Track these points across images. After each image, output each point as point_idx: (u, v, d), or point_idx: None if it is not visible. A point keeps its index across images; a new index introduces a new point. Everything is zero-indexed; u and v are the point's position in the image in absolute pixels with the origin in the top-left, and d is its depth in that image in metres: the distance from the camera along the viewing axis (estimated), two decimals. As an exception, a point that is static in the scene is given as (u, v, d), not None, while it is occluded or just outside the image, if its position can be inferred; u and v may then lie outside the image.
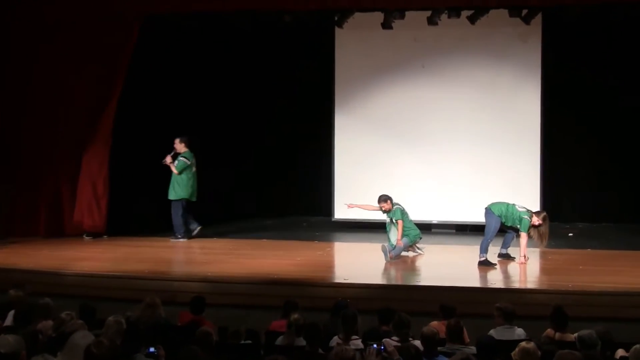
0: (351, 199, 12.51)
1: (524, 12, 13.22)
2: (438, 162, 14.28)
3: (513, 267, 10.85)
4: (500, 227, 10.96)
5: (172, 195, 13.12)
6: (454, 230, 14.33)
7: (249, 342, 7.02)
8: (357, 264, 11.37)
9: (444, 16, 13.45)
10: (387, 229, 11.61)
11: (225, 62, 15.58)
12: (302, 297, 8.48)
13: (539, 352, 5.93)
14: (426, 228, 13.33)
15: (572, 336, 6.75)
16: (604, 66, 14.45)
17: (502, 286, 9.82)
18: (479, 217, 11.60)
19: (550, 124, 14.18)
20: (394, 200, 11.55)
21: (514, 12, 13.19)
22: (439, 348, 6.50)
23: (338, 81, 14.79)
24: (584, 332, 6.33)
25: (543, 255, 11.55)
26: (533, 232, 10.80)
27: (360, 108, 14.70)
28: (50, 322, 6.97)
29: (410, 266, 11.27)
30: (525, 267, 10.75)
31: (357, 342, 6.69)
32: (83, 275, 10.38)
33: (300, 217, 16.00)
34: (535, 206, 12.64)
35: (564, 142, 14.79)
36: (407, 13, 13.54)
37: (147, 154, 14.03)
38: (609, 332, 6.52)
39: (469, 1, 12.83)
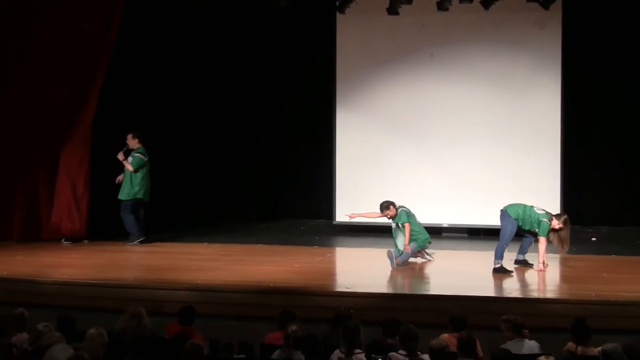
0: (354, 200, 12.53)
1: (543, -5, 13.26)
2: (448, 161, 14.28)
3: (531, 275, 10.85)
4: (517, 231, 10.95)
5: (123, 195, 13.12)
6: (466, 235, 14.33)
7: (243, 356, 7.03)
8: (361, 271, 11.35)
9: (455, 1, 13.44)
10: (394, 233, 11.61)
11: (216, 52, 15.59)
12: (300, 307, 8.49)
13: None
14: (436, 232, 13.34)
15: (596, 350, 6.75)
16: (631, 55, 14.41)
17: (519, 295, 9.80)
18: (493, 220, 11.59)
19: (571, 118, 14.17)
20: (399, 203, 11.54)
21: (532, -5, 13.23)
22: (449, 363, 6.51)
23: (339, 72, 14.78)
24: (609, 345, 6.33)
25: (563, 262, 11.55)
26: (553, 236, 10.80)
27: (364, 101, 14.69)
28: (25, 335, 6.97)
29: (418, 273, 11.27)
30: (544, 275, 10.75)
31: (360, 357, 6.69)
32: (61, 284, 10.35)
33: (298, 219, 16.00)
34: (555, 208, 12.64)
35: (586, 138, 14.78)
36: (415, -3, 13.56)
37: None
38: (635, 346, 6.52)
39: (483, -16, 12.86)
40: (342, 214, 14.16)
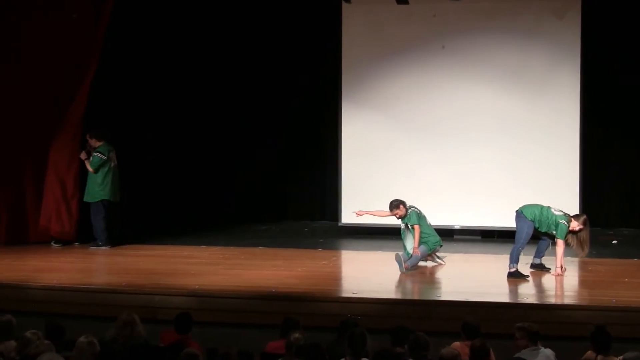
0: (360, 200, 12.53)
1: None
2: (460, 159, 14.28)
3: (548, 280, 10.85)
4: (534, 233, 10.95)
5: (88, 197, 13.14)
6: (480, 237, 14.35)
7: (242, 365, 7.03)
8: (367, 275, 11.37)
9: (468, -11, 13.49)
10: (403, 235, 11.62)
11: (215, 45, 15.59)
12: (303, 313, 8.49)
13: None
14: (447, 234, 13.35)
15: (617, 359, 6.75)
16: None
17: (535, 301, 9.80)
18: (508, 222, 11.60)
19: (591, 114, 14.17)
20: (409, 204, 11.55)
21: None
22: (461, 373, 6.51)
23: (345, 65, 14.79)
24: (631, 354, 6.33)
25: (582, 266, 11.55)
26: (571, 239, 10.80)
27: (371, 96, 14.70)
28: (13, 343, 6.97)
29: (428, 278, 11.28)
30: (562, 280, 10.75)
31: (367, 366, 6.69)
32: (50, 289, 10.38)
33: (301, 221, 16.02)
34: (574, 209, 12.64)
35: (607, 135, 14.78)
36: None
37: (124, 147, 14.07)
38: (658, 355, 6.52)
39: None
40: (348, 215, 14.16)
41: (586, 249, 10.91)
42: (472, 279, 11.01)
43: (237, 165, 16.08)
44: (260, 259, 12.30)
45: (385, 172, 14.46)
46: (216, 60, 15.64)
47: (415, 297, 10.51)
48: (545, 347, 7.26)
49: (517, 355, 7.14)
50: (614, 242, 13.78)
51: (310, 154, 15.98)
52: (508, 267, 10.81)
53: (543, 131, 14.02)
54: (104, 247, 13.06)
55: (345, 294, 10.29)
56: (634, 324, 8.81)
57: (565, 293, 10.57)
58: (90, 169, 13.03)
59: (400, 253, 11.32)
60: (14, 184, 13.49)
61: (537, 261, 11.24)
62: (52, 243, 13.40)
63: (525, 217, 10.90)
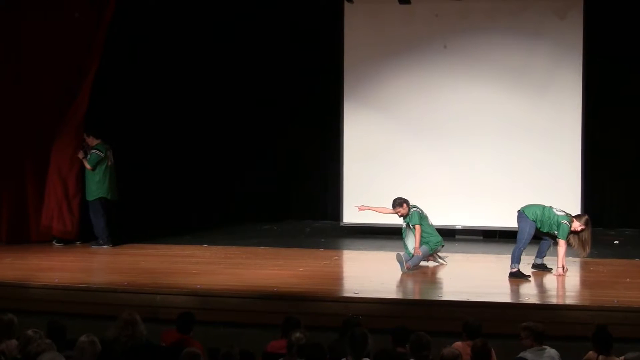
0: (362, 200, 12.51)
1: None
2: (462, 158, 14.27)
3: (549, 280, 10.84)
4: (535, 233, 10.94)
5: (88, 195, 13.14)
6: (481, 237, 14.33)
7: (243, 365, 7.02)
8: (369, 275, 11.36)
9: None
10: (404, 235, 11.61)
11: (218, 44, 15.56)
12: (304, 313, 8.51)
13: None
14: (449, 234, 13.34)
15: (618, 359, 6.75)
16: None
17: (537, 302, 9.79)
18: (509, 222, 11.59)
19: (593, 114, 14.16)
20: (412, 203, 11.55)
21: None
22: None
23: (347, 64, 14.77)
24: (632, 355, 6.32)
25: (584, 266, 11.54)
26: (573, 239, 10.79)
27: (373, 96, 14.69)
28: (14, 342, 6.97)
29: (430, 278, 11.27)
30: (564, 280, 10.74)
31: (368, 366, 6.69)
32: (52, 288, 10.37)
33: (303, 221, 16.01)
34: (576, 209, 12.63)
35: (609, 135, 14.76)
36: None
37: (127, 146, 14.08)
38: (660, 356, 6.51)
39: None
40: (350, 215, 14.20)
41: (587, 249, 10.90)
42: (473, 279, 11.01)
43: (240, 165, 16.06)
44: (262, 259, 12.30)
45: (387, 172, 14.45)
46: (218, 60, 15.63)
47: (417, 297, 10.51)
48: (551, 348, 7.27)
49: (521, 354, 7.14)
50: (616, 242, 13.76)
51: (312, 154, 15.96)
52: (510, 267, 10.80)
53: (545, 131, 14.00)
54: (105, 246, 13.05)
55: (346, 294, 10.29)
56: (635, 325, 8.80)
57: (567, 293, 10.56)
58: (88, 166, 13.03)
59: (402, 253, 11.32)
60: (16, 183, 13.48)
61: (539, 261, 11.23)
62: (53, 242, 13.39)
63: (527, 217, 10.89)
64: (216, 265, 11.80)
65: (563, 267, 10.78)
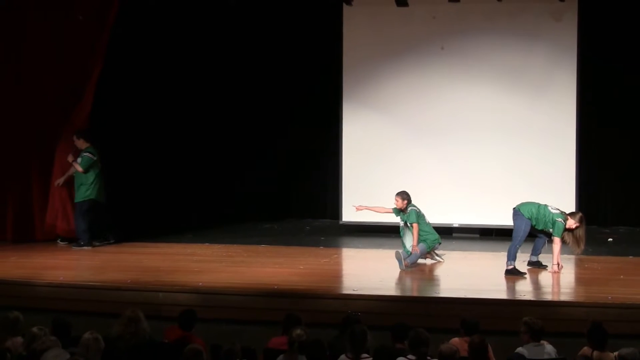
0: (361, 199, 12.53)
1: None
2: (460, 158, 14.28)
3: (545, 277, 10.85)
4: (530, 230, 10.95)
5: (78, 197, 13.07)
6: (478, 235, 14.34)
7: (245, 361, 7.04)
8: (368, 272, 11.37)
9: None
10: (402, 233, 11.62)
11: (218, 46, 15.58)
12: (305, 310, 8.50)
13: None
14: (446, 232, 13.35)
15: (612, 355, 6.76)
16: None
17: (532, 298, 9.82)
18: (506, 220, 11.61)
19: (588, 114, 14.18)
20: (412, 202, 11.54)
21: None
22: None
23: (346, 66, 14.78)
24: (626, 350, 6.34)
25: (579, 264, 11.55)
26: (567, 236, 10.79)
27: (372, 96, 14.69)
28: (20, 339, 6.99)
29: (428, 275, 11.28)
30: (559, 277, 10.74)
31: (367, 362, 6.71)
32: (56, 286, 10.38)
33: (303, 219, 16.02)
34: (571, 207, 12.61)
35: (603, 134, 14.77)
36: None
37: (130, 146, 14.09)
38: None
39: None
40: (349, 214, 14.19)
41: (582, 246, 10.90)
42: (470, 276, 11.01)
43: (240, 165, 16.07)
44: (263, 257, 12.30)
45: (385, 171, 14.45)
46: (220, 61, 15.64)
47: (415, 294, 10.51)
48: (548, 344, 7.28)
49: (518, 350, 7.16)
50: (610, 239, 13.77)
51: (311, 154, 15.96)
52: (506, 265, 10.81)
53: (541, 131, 14.01)
54: (86, 247, 12.96)
55: (346, 291, 10.29)
56: (629, 321, 8.81)
57: (562, 290, 10.57)
58: (80, 169, 12.92)
59: (400, 251, 11.33)
60: (21, 183, 13.49)
61: (534, 259, 11.24)
62: (58, 241, 13.40)
63: (523, 215, 10.90)
64: (218, 264, 11.81)
65: (558, 264, 10.79)
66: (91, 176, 13.01)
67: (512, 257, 10.80)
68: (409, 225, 11.45)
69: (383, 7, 14.28)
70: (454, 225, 14.31)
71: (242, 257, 12.32)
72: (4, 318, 7.26)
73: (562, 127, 13.95)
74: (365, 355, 6.81)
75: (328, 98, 15.21)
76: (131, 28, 13.80)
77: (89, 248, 12.97)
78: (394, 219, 11.83)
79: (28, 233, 13.49)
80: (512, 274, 10.72)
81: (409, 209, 11.47)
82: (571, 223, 10.76)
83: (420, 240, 11.38)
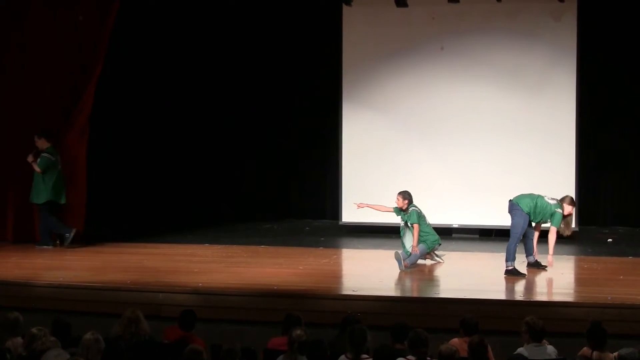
0: (361, 200, 12.50)
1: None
2: (459, 159, 14.28)
3: (544, 277, 10.85)
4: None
5: (36, 198, 13.00)
6: (478, 236, 14.34)
7: (245, 361, 7.03)
8: (368, 273, 11.37)
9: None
10: (402, 233, 11.62)
11: (219, 46, 15.60)
12: (305, 310, 8.49)
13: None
14: (446, 233, 13.34)
15: (612, 355, 6.75)
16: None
17: (532, 298, 9.83)
18: (505, 221, 11.58)
19: (587, 114, 14.17)
20: (413, 202, 11.54)
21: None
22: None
23: (346, 66, 14.78)
24: (625, 350, 6.34)
25: (578, 264, 11.57)
26: (563, 223, 10.84)
27: (371, 96, 14.69)
28: (20, 340, 6.98)
29: (427, 276, 11.27)
30: (559, 277, 10.73)
31: (367, 363, 6.70)
32: (57, 286, 10.37)
33: (302, 220, 16.02)
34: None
35: (603, 135, 14.79)
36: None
37: (131, 147, 14.09)
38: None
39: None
40: (349, 214, 14.19)
41: (571, 228, 10.98)
42: (470, 276, 11.01)
43: (240, 165, 16.08)
44: (263, 257, 12.30)
45: (385, 171, 14.45)
46: (220, 61, 15.65)
47: (415, 294, 10.51)
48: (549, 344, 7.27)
49: (518, 350, 7.15)
50: (610, 240, 13.76)
51: (311, 154, 15.97)
52: (505, 265, 10.81)
53: (540, 131, 14.01)
54: (45, 246, 12.90)
55: (345, 292, 10.29)
56: (629, 321, 8.80)
57: (562, 290, 10.55)
58: (38, 169, 12.81)
59: (400, 251, 11.32)
60: (21, 184, 13.45)
61: (532, 259, 11.21)
62: (57, 242, 13.37)
63: (522, 210, 10.84)
64: (217, 264, 11.81)
65: (551, 254, 10.80)
66: (50, 178, 12.87)
67: (511, 257, 10.79)
68: (409, 225, 11.44)
69: (383, 8, 14.27)
70: (454, 226, 14.31)
71: (242, 258, 12.32)
72: (4, 318, 7.24)
73: (561, 127, 13.94)
74: (365, 355, 6.81)
75: (328, 98, 15.21)
76: (131, 27, 13.81)
77: (50, 247, 12.90)
78: (394, 220, 11.82)
79: (28, 233, 13.46)
80: (512, 274, 10.71)
81: (410, 209, 11.46)
82: (567, 209, 10.80)
83: (420, 241, 11.37)
